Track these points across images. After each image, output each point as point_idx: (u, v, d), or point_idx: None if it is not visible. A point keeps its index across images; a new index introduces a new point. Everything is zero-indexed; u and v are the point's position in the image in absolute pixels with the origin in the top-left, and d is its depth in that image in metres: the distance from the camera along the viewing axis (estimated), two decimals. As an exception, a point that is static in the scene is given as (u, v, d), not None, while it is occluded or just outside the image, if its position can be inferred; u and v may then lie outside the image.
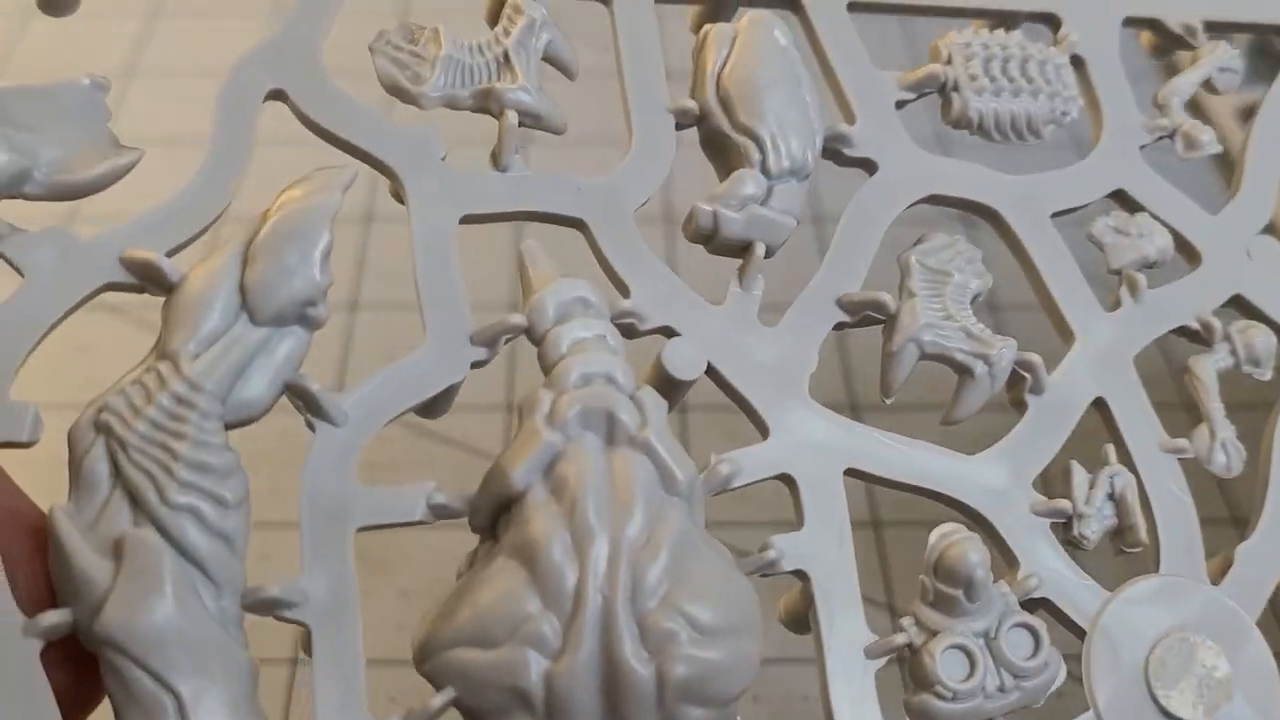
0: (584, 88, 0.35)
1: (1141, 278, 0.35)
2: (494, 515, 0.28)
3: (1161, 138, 0.37)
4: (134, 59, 0.67)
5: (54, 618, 0.25)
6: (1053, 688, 0.30)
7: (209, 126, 0.31)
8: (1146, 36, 0.39)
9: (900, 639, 0.29)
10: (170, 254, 0.29)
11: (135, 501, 0.26)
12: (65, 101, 0.30)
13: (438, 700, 0.26)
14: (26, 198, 0.29)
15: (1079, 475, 0.32)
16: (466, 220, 0.31)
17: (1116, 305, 0.34)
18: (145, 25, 0.69)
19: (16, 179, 0.29)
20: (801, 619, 0.30)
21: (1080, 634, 0.31)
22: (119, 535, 0.26)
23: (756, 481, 0.31)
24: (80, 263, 0.29)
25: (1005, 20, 0.37)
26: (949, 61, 0.35)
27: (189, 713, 0.25)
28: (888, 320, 0.32)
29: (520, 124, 0.32)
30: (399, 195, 0.31)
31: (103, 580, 0.25)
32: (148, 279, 0.28)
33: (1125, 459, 0.33)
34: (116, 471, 0.26)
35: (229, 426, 0.27)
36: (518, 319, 0.29)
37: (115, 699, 0.25)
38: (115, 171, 0.30)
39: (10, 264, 0.28)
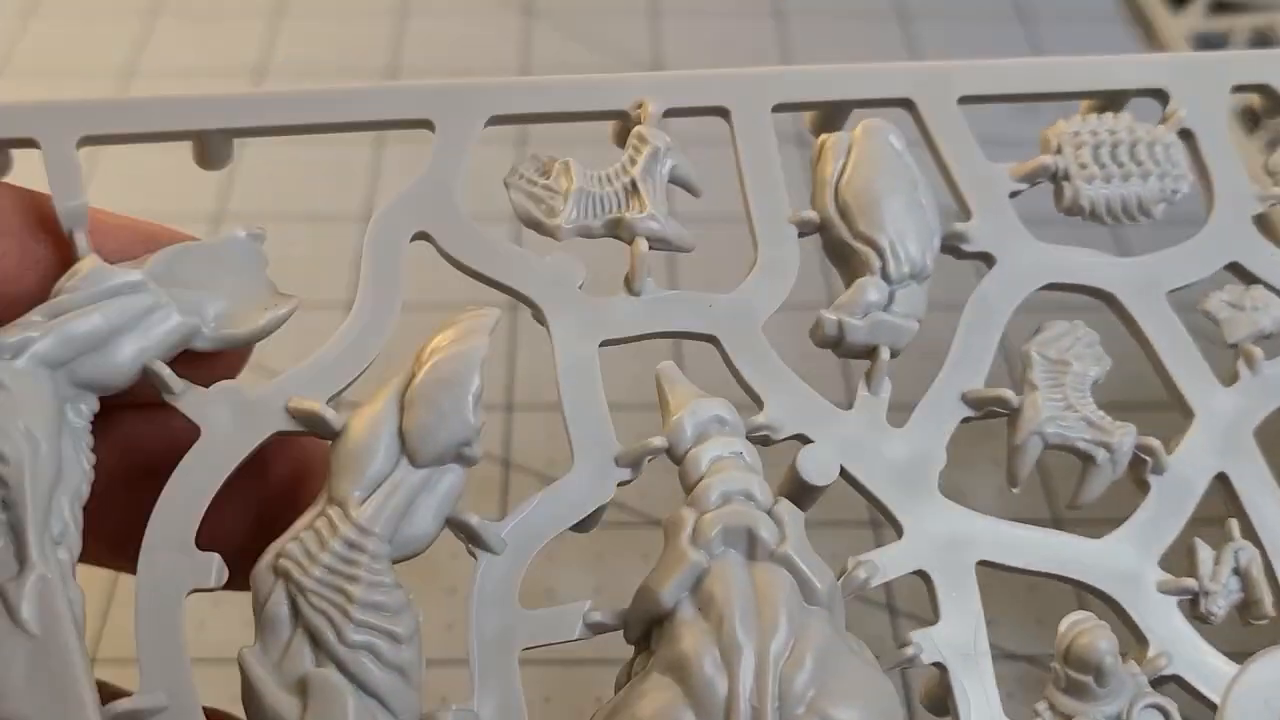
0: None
1: (1258, 350, 0.35)
2: (646, 629, 0.29)
3: (1275, 205, 0.37)
4: (134, 59, 0.66)
5: (250, 753, 0.28)
6: None
7: (362, 269, 0.33)
8: (1256, 100, 0.39)
9: (1035, 725, 0.31)
10: (333, 397, 0.31)
11: (316, 641, 0.28)
12: (226, 256, 0.33)
13: (600, 812, 0.28)
14: (196, 350, 0.32)
15: (1204, 552, 0.33)
16: (605, 344, 0.33)
17: (1234, 379, 0.35)
18: (145, 25, 0.69)
19: (187, 337, 0.31)
20: (940, 703, 0.32)
21: (1212, 707, 0.31)
22: (303, 674, 0.28)
23: (892, 579, 0.32)
24: (250, 415, 0.31)
25: (1113, 99, 0.38)
26: (1059, 151, 0.36)
27: (375, 837, 0.27)
28: (1011, 414, 0.34)
29: (650, 248, 0.34)
30: (541, 322, 0.33)
31: (292, 717, 0.28)
32: (312, 427, 0.31)
33: (1249, 532, 0.33)
34: (296, 613, 0.28)
35: (395, 561, 0.30)
36: (659, 441, 0.31)
37: (306, 827, 0.27)
38: (276, 322, 0.32)
39: (188, 419, 0.31)
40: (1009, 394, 0.33)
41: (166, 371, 0.30)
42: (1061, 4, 0.67)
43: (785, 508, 0.30)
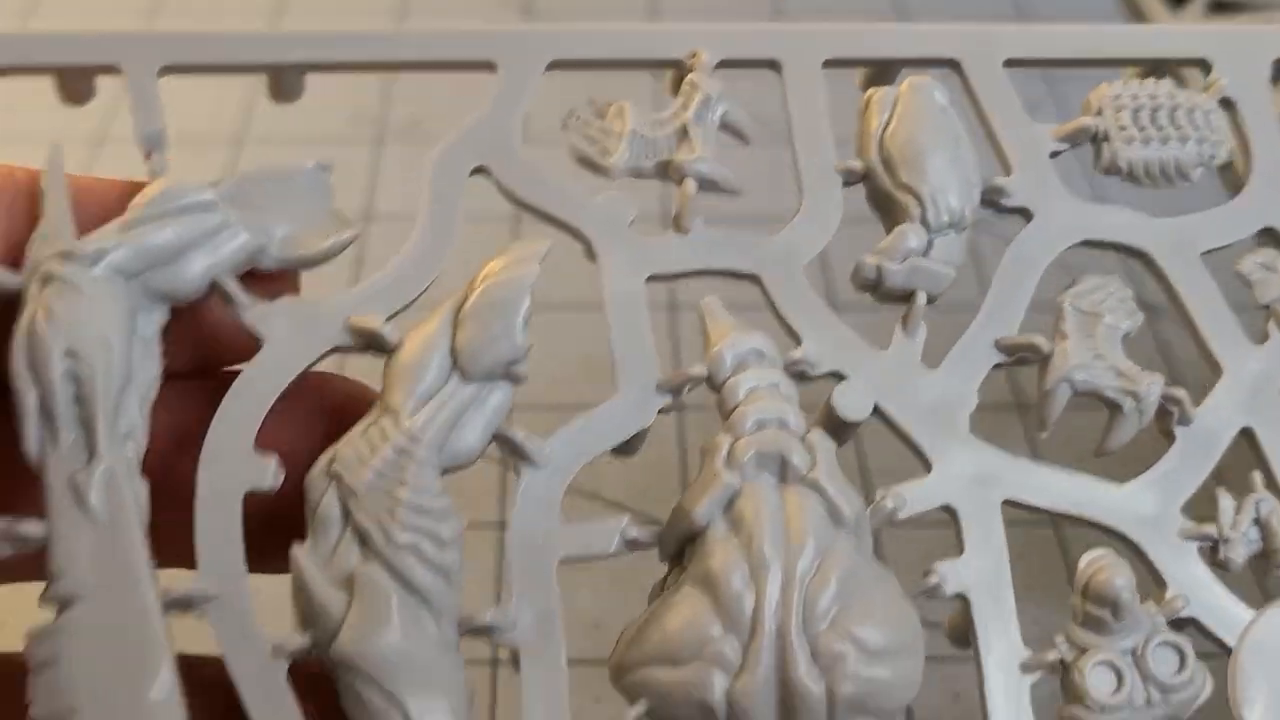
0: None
1: (1289, 311, 0.36)
2: (680, 547, 0.31)
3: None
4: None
5: (296, 641, 0.29)
6: (1198, 702, 0.32)
7: (422, 199, 0.35)
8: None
9: (1053, 655, 0.32)
10: (390, 319, 0.33)
11: (364, 541, 0.30)
12: (294, 184, 0.34)
13: (632, 714, 0.29)
14: (262, 270, 0.33)
15: (1225, 502, 0.34)
16: (652, 279, 0.35)
17: (1265, 339, 0.36)
18: (145, 25, 0.69)
19: (254, 256, 0.33)
20: (963, 635, 0.33)
21: (1228, 650, 0.32)
22: (350, 571, 0.29)
23: (919, 513, 0.33)
24: (311, 329, 0.32)
25: (1157, 68, 0.39)
26: (1099, 113, 0.37)
27: (414, 723, 0.28)
28: (1042, 361, 0.35)
29: (699, 190, 0.35)
30: (592, 257, 0.35)
31: (337, 611, 0.29)
32: (370, 343, 0.32)
33: (1272, 485, 0.34)
34: (346, 515, 0.30)
35: (444, 472, 0.31)
36: (698, 369, 0.33)
37: (350, 713, 0.29)
38: (339, 245, 0.34)
39: (252, 331, 0.32)
40: (1040, 340, 0.34)
41: (234, 285, 0.32)
42: (1061, 3, 0.68)
43: (817, 436, 0.31)
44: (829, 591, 0.29)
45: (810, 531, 0.29)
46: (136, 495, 0.29)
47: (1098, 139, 0.37)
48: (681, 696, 0.29)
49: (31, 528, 0.29)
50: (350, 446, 0.30)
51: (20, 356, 0.30)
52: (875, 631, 0.29)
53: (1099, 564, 0.32)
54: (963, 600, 0.32)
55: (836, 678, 0.28)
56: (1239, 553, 0.33)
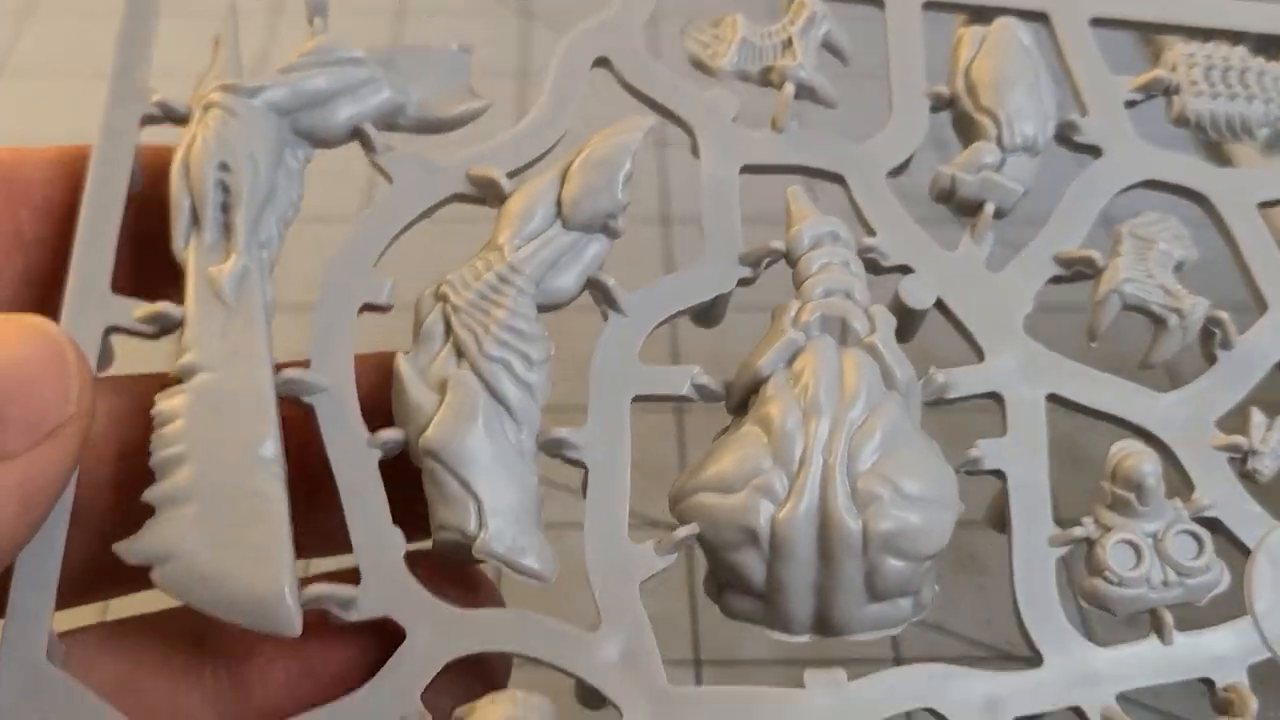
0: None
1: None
2: (745, 398, 0.34)
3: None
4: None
5: (390, 434, 0.33)
6: (1215, 591, 0.34)
7: (547, 78, 0.38)
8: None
9: (1079, 532, 0.34)
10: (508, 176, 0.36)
11: (460, 354, 0.33)
12: (437, 59, 0.38)
13: (682, 533, 0.32)
14: (400, 129, 0.37)
15: (1257, 418, 0.36)
16: (746, 170, 0.38)
17: (1311, 284, 0.38)
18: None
19: (393, 112, 0.37)
20: (1001, 517, 0.35)
21: (1247, 552, 0.34)
22: (446, 378, 0.33)
23: (968, 397, 0.36)
24: (436, 176, 0.36)
25: (1237, 38, 0.42)
26: (1174, 69, 0.40)
27: (485, 513, 0.31)
28: (1096, 275, 0.37)
29: (797, 95, 0.38)
30: (694, 148, 0.38)
31: (429, 409, 0.32)
32: (487, 192, 0.36)
33: (1304, 409, 0.37)
34: (448, 330, 0.33)
35: (541, 308, 0.34)
36: (778, 244, 0.36)
37: (430, 497, 0.32)
38: (471, 113, 0.37)
39: (383, 173, 0.36)
40: (1096, 255, 0.37)
41: (373, 131, 0.36)
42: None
43: (879, 309, 0.34)
44: (874, 440, 0.32)
45: (863, 387, 0.32)
46: (265, 294, 0.33)
47: (1169, 91, 0.40)
48: (729, 521, 0.32)
49: (173, 309, 0.33)
50: (458, 272, 0.34)
51: (179, 167, 0.34)
52: (912, 480, 0.32)
53: (1129, 450, 0.34)
54: (999, 477, 0.35)
55: (872, 515, 0.31)
56: (1267, 465, 0.36)
